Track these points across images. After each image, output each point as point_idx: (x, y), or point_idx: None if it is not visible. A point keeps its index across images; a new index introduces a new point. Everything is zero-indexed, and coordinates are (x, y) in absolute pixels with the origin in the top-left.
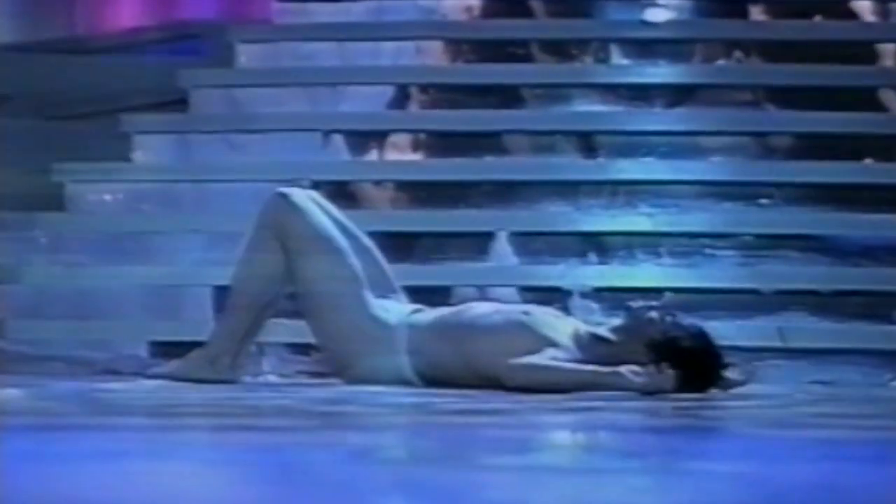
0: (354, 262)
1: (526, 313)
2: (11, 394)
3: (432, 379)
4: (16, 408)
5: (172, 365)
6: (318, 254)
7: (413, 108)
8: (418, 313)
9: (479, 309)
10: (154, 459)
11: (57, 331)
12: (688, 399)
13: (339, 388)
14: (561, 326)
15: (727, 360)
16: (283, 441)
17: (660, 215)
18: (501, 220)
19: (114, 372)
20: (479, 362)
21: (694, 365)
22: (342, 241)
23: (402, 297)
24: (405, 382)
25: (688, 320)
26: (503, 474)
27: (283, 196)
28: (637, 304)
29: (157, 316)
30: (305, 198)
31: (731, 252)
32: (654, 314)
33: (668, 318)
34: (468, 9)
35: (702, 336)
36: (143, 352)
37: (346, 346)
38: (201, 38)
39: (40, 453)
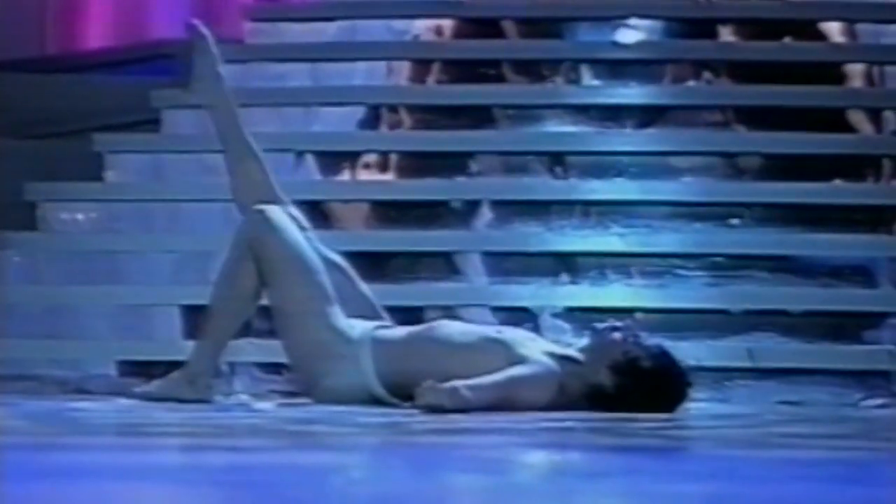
0: (325, 280)
1: (500, 332)
2: None
3: (403, 394)
4: None
5: (153, 385)
6: (290, 272)
7: (385, 128)
8: (383, 329)
9: (454, 326)
10: (126, 479)
11: (28, 350)
12: (656, 419)
13: (311, 408)
14: (534, 346)
15: (691, 379)
16: (255, 461)
17: (631, 235)
18: (473, 240)
19: (85, 391)
20: (454, 378)
21: (656, 385)
22: (315, 260)
23: (385, 317)
24: (376, 400)
25: (651, 340)
26: (473, 494)
27: (260, 213)
28: (601, 325)
29: (127, 335)
30: (282, 215)
31: (701, 272)
32: (616, 335)
33: (631, 339)
34: (440, 29)
35: (663, 356)
36: (111, 371)
37: (313, 363)
38: (174, 58)
39: (13, 472)
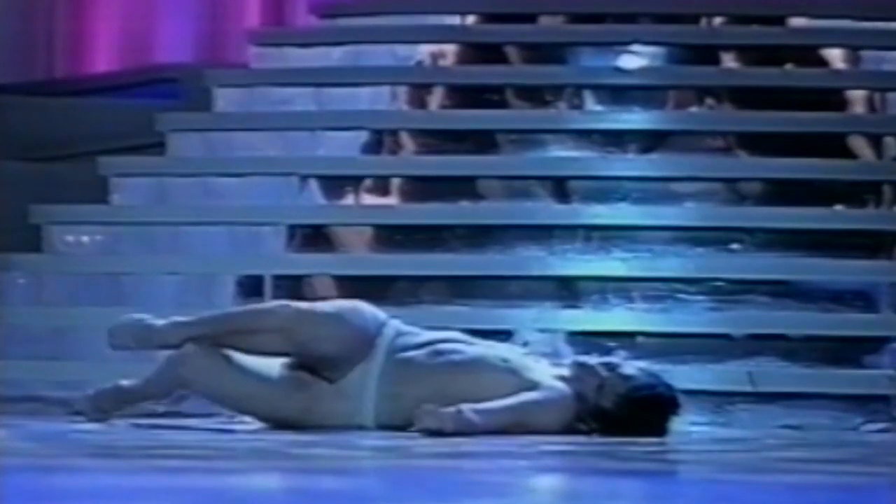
0: (282, 376)
1: (505, 361)
2: None
3: (401, 424)
4: None
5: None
6: (249, 396)
7: (388, 152)
8: (388, 383)
9: (462, 357)
10: (130, 502)
11: (33, 371)
12: (656, 443)
13: (314, 432)
14: (540, 369)
15: (669, 399)
16: (258, 484)
17: (633, 260)
18: (476, 264)
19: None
20: (461, 401)
21: (635, 415)
22: (264, 367)
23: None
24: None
25: (624, 370)
26: None
27: (178, 360)
28: (579, 361)
29: (131, 357)
30: (201, 358)
31: (702, 297)
32: (588, 378)
33: (599, 380)
34: (444, 55)
35: (634, 391)
36: None
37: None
38: (179, 82)
39: (17, 494)
